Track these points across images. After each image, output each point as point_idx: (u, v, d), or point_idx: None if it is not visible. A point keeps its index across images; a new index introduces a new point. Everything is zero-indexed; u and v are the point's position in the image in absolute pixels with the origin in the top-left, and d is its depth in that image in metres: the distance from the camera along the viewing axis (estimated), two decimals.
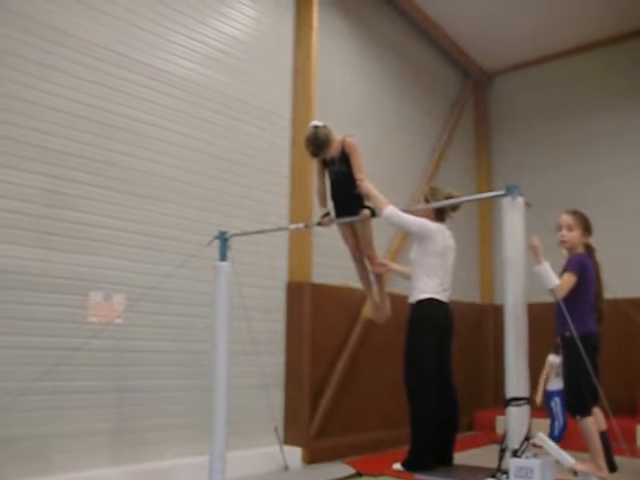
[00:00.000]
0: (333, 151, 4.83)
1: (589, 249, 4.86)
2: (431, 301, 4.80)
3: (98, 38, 6.29)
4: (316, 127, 4.88)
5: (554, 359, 7.50)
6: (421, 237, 4.87)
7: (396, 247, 9.39)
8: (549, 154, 11.67)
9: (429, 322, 4.79)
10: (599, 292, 4.78)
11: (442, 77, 11.90)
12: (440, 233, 4.93)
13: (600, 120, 11.16)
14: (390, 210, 4.71)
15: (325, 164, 4.96)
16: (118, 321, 6.06)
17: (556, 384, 7.41)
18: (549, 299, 4.70)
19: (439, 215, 5.10)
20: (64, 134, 5.95)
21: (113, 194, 6.28)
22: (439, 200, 4.97)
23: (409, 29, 10.86)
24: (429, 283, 4.82)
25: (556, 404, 7.31)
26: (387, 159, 9.96)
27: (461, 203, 5.14)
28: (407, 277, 5.32)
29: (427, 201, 5.09)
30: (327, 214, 5.02)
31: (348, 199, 4.79)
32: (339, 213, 4.90)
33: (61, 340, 5.67)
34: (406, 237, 8.98)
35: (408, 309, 4.93)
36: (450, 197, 5.05)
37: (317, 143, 4.78)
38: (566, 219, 4.89)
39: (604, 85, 11.20)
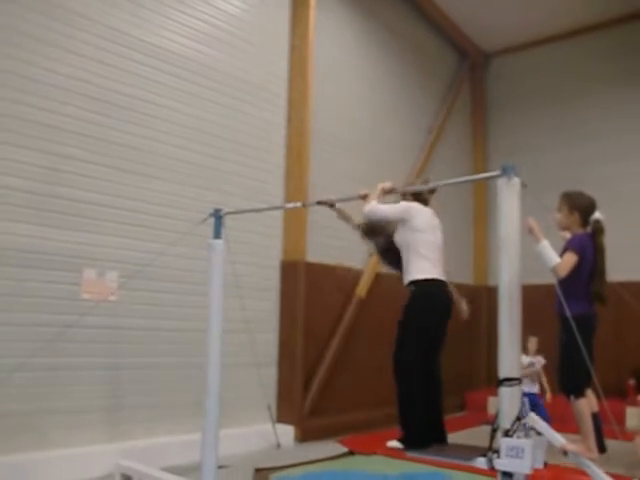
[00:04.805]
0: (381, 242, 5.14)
1: (596, 230, 4.76)
2: (431, 281, 4.73)
3: (99, 15, 6.24)
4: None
5: (524, 359, 7.41)
6: (403, 219, 4.80)
7: None
8: (547, 136, 11.64)
9: (429, 303, 4.72)
10: (599, 275, 4.71)
11: (440, 58, 11.85)
12: (419, 210, 4.87)
13: (599, 103, 11.13)
14: (369, 207, 4.70)
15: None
16: (112, 298, 6.05)
17: (525, 386, 7.32)
18: (543, 281, 4.69)
19: (418, 201, 5.03)
20: (63, 111, 5.93)
21: (110, 171, 6.26)
22: (412, 192, 5.01)
23: (408, 10, 10.78)
24: (424, 263, 4.76)
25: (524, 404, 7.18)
26: (384, 138, 9.93)
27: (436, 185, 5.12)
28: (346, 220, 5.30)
29: (404, 197, 5.07)
30: (332, 205, 5.00)
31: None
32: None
33: (55, 317, 5.67)
34: None
35: (407, 290, 4.83)
36: (426, 181, 5.05)
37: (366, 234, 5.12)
38: (557, 201, 4.86)
39: (603, 68, 11.16)
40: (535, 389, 7.34)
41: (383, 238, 5.06)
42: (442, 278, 4.77)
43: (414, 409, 4.61)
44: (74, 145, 5.98)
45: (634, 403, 8.70)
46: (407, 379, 4.65)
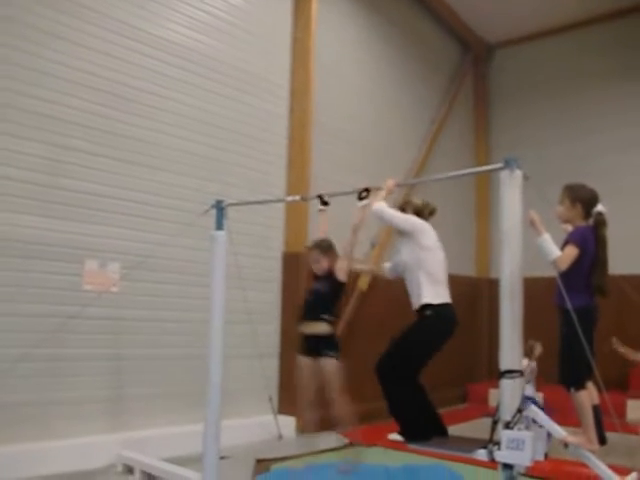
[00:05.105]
0: (323, 266, 4.80)
1: (598, 222, 4.74)
2: (444, 305, 4.69)
3: (103, 6, 6.24)
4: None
5: (527, 364, 7.41)
6: (410, 232, 4.71)
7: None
8: (549, 129, 11.62)
9: (443, 327, 4.70)
10: (601, 267, 4.71)
11: (442, 50, 11.81)
12: (427, 227, 4.82)
13: (601, 97, 11.09)
14: (378, 207, 4.63)
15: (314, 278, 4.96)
16: (114, 289, 6.06)
17: (528, 390, 7.30)
18: (545, 273, 4.68)
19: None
20: (66, 102, 5.93)
21: (113, 163, 6.27)
22: (415, 202, 4.92)
23: (410, 2, 10.74)
24: (436, 287, 4.69)
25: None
26: (386, 130, 9.92)
27: (435, 210, 5.02)
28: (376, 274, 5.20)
29: (403, 210, 4.98)
30: (325, 203, 4.95)
31: (313, 315, 4.79)
32: (303, 319, 4.90)
33: (57, 308, 5.68)
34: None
35: (419, 314, 4.76)
36: (427, 205, 4.96)
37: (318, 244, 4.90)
38: (559, 194, 4.84)
39: (605, 62, 11.11)
40: (537, 394, 7.33)
41: (327, 263, 4.83)
42: (450, 301, 4.74)
43: (413, 410, 4.62)
44: (78, 137, 5.99)
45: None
46: (405, 389, 4.65)
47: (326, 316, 4.72)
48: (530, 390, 7.32)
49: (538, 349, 7.40)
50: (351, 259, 4.85)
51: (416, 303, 4.65)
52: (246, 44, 7.74)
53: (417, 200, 4.99)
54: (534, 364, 7.36)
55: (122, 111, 6.35)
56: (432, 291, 4.63)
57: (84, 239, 5.98)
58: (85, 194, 6.02)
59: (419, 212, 4.90)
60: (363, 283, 8.96)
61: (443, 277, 4.73)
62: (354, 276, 8.83)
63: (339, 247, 4.84)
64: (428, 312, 4.57)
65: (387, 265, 5.17)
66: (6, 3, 5.53)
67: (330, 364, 4.70)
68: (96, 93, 6.14)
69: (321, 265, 4.83)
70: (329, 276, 4.79)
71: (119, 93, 6.33)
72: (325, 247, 4.87)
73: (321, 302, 4.76)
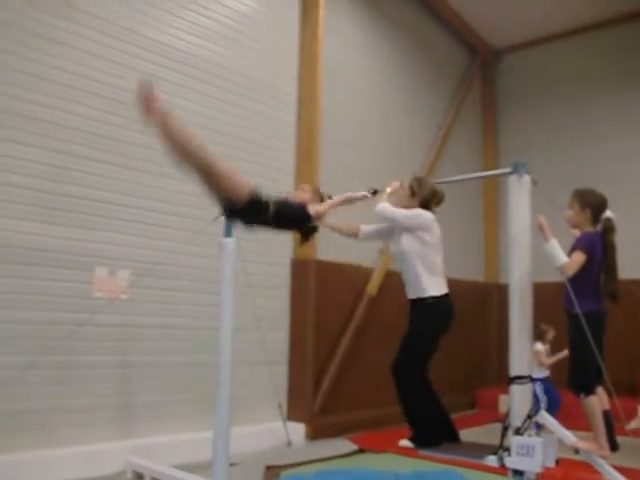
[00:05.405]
0: (304, 197, 4.82)
1: (607, 228, 4.73)
2: (445, 297, 4.72)
3: (106, 13, 6.26)
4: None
5: (540, 346, 7.56)
6: (417, 226, 4.72)
7: None
8: (558, 134, 11.58)
9: (446, 318, 4.73)
10: (610, 273, 4.70)
11: (450, 55, 11.81)
12: (433, 220, 4.81)
13: (610, 102, 11.05)
14: (381, 206, 4.70)
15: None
16: (123, 296, 6.07)
17: (538, 372, 7.41)
18: (554, 278, 4.68)
19: (423, 207, 4.95)
20: (69, 109, 5.95)
21: (118, 169, 6.28)
22: (425, 191, 4.88)
23: (417, 7, 10.75)
24: (438, 279, 4.72)
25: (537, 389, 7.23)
26: (394, 136, 9.92)
27: (443, 198, 5.01)
28: (345, 234, 5.28)
29: (413, 191, 4.96)
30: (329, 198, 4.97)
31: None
32: None
33: (66, 315, 5.69)
34: None
35: (418, 304, 4.76)
36: (435, 190, 4.93)
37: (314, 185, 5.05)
38: (568, 198, 4.84)
39: (614, 66, 11.07)
40: (542, 373, 7.47)
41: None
42: (447, 292, 4.78)
43: (426, 414, 4.62)
44: (80, 143, 6.00)
45: None
46: (417, 388, 4.65)
47: None
48: (542, 373, 7.44)
49: (550, 333, 7.58)
50: (327, 212, 4.87)
51: (414, 293, 4.70)
52: (253, 51, 7.76)
53: (426, 190, 4.94)
54: (548, 347, 7.57)
55: (124, 117, 6.34)
56: (433, 283, 4.67)
57: (93, 246, 6.00)
58: (90, 201, 6.02)
59: (426, 201, 4.88)
60: (372, 288, 8.96)
61: (441, 268, 4.77)
62: (363, 281, 8.84)
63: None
64: (429, 301, 4.62)
65: (366, 227, 5.21)
66: (2, 7, 5.53)
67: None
68: (98, 99, 6.15)
69: (303, 195, 4.84)
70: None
71: (122, 99, 6.33)
72: (317, 190, 4.97)
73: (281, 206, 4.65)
